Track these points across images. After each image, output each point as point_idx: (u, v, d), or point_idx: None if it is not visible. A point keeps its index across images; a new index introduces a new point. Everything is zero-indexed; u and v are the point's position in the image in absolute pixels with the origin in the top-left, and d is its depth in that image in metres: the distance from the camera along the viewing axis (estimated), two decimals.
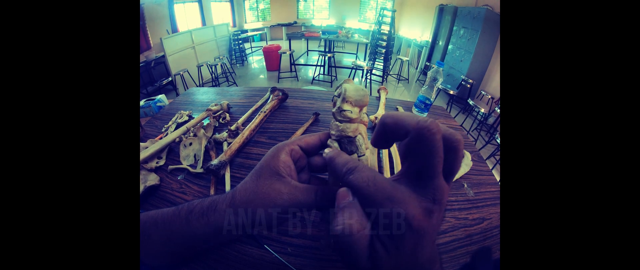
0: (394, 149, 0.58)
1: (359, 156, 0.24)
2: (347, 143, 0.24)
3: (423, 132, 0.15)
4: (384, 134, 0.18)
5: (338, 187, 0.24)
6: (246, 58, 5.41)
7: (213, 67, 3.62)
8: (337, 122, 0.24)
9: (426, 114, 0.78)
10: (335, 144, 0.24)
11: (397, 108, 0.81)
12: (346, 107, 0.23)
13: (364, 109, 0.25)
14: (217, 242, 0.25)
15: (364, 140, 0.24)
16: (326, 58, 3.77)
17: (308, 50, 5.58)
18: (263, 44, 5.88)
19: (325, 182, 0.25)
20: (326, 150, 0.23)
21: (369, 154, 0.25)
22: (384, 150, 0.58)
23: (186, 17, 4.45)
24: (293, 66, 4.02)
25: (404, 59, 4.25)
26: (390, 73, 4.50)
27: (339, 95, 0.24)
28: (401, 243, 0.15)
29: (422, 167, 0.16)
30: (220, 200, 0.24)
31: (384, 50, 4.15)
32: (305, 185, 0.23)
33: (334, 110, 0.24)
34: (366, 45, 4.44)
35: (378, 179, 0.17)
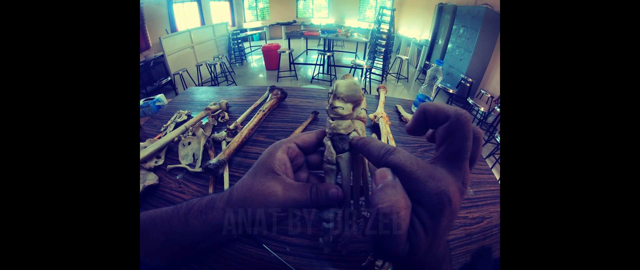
0: None
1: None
2: (339, 141, 0.23)
3: (461, 118, 0.16)
4: (423, 120, 0.19)
5: (335, 185, 0.24)
6: (245, 57, 5.40)
7: (212, 67, 3.61)
8: (329, 120, 0.24)
9: None
10: (329, 142, 0.24)
11: (396, 107, 0.81)
12: (337, 104, 0.23)
13: (363, 105, 0.24)
14: (216, 241, 0.25)
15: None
16: (325, 57, 3.76)
17: (307, 49, 5.57)
18: (262, 43, 5.86)
19: (323, 180, 0.25)
20: (353, 134, 0.23)
21: None
22: None
23: (185, 17, 4.43)
24: (292, 65, 4.01)
25: (404, 57, 4.24)
26: (390, 72, 4.50)
27: (332, 92, 0.23)
28: (439, 223, 0.16)
29: (457, 149, 0.17)
30: (218, 198, 0.24)
31: (383, 49, 4.14)
32: (300, 183, 0.23)
33: (327, 107, 0.24)
34: (365, 44, 4.42)
35: (418, 159, 0.17)
